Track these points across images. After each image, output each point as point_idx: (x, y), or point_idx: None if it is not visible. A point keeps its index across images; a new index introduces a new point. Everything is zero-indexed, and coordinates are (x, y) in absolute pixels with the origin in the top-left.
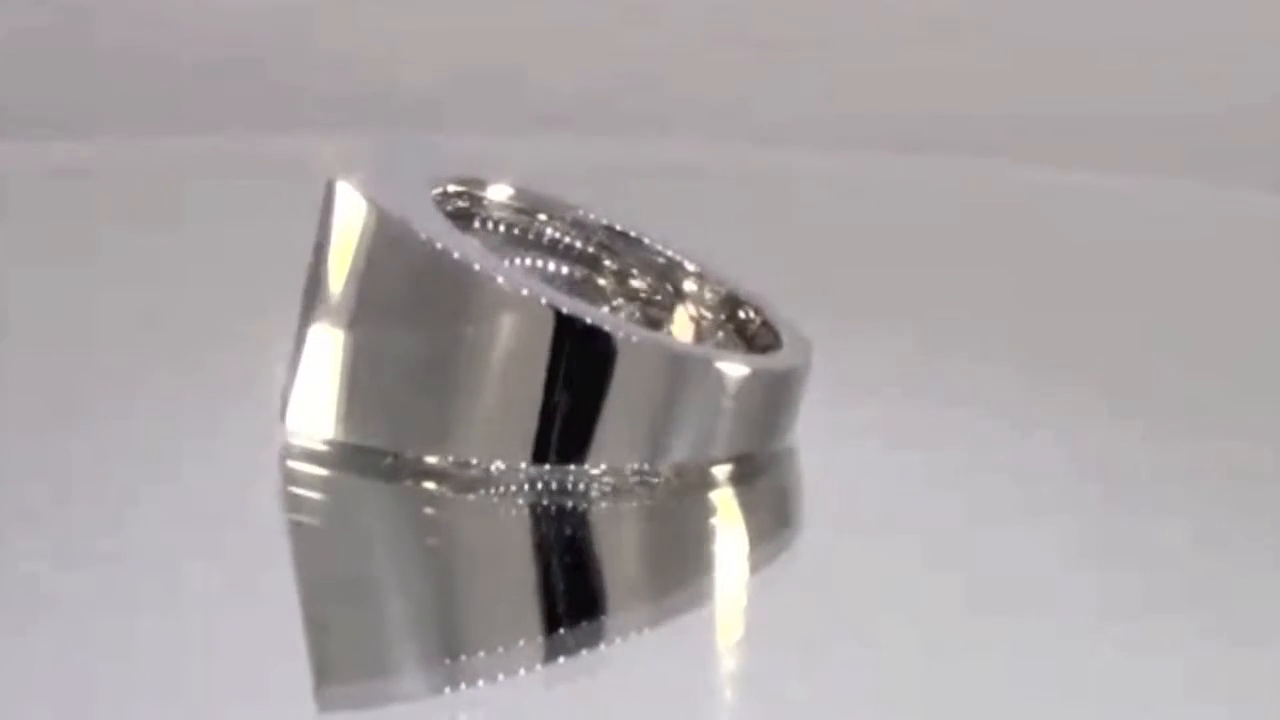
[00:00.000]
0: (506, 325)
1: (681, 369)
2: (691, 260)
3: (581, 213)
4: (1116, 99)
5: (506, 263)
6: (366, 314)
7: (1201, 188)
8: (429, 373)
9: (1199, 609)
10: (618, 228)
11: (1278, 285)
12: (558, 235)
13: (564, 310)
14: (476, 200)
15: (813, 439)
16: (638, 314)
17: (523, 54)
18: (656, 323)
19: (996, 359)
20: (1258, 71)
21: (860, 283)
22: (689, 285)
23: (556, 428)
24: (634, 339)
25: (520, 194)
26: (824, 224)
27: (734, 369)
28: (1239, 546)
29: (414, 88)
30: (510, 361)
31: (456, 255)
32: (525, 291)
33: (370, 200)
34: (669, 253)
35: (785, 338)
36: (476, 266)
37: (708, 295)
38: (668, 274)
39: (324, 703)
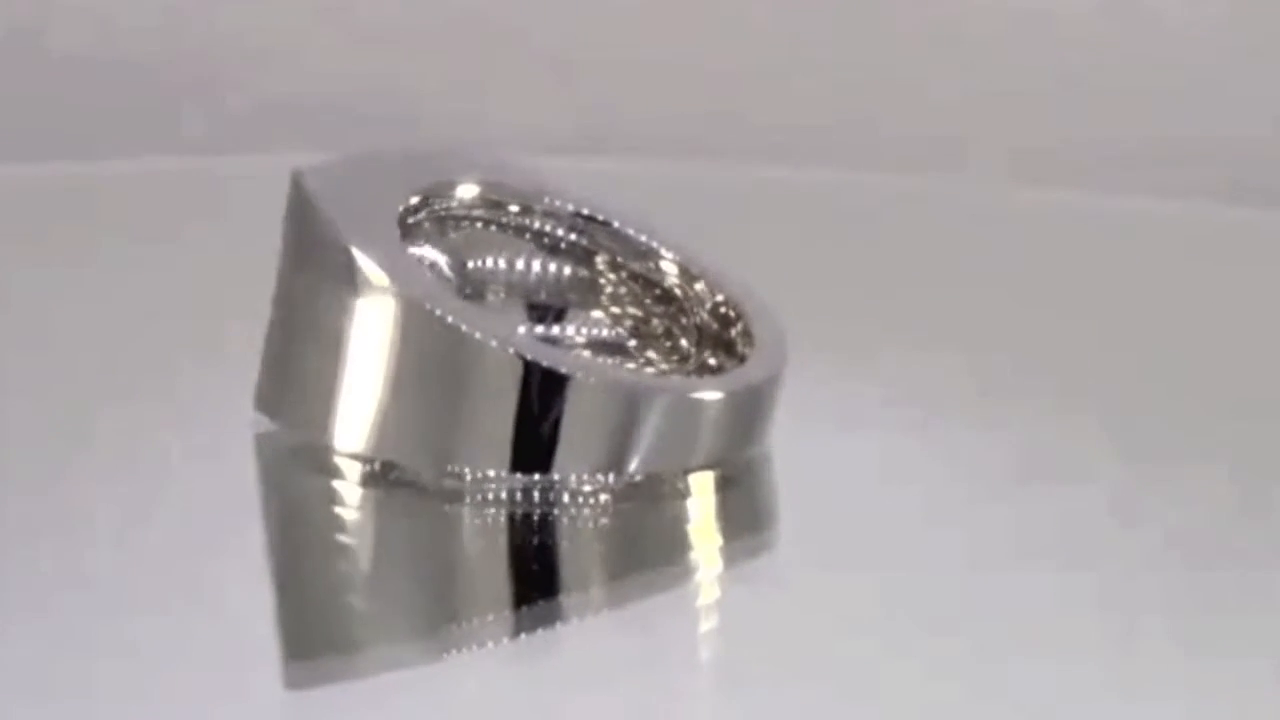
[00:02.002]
0: (481, 370)
1: (648, 400)
2: (666, 246)
3: (547, 200)
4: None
5: (502, 264)
6: (353, 341)
7: (1231, 209)
8: (412, 393)
9: (1186, 618)
10: (585, 212)
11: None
12: (538, 226)
13: (528, 357)
14: (450, 201)
15: (789, 441)
16: (630, 321)
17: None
18: (648, 332)
19: (986, 366)
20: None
21: (849, 289)
22: (670, 274)
23: (531, 445)
24: (595, 380)
25: (487, 188)
26: (821, 237)
27: (707, 395)
28: (1233, 552)
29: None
30: (486, 393)
31: (441, 315)
32: (494, 344)
33: (373, 267)
34: (642, 238)
35: (759, 338)
36: (464, 327)
37: (690, 290)
38: (648, 259)
39: (291, 680)
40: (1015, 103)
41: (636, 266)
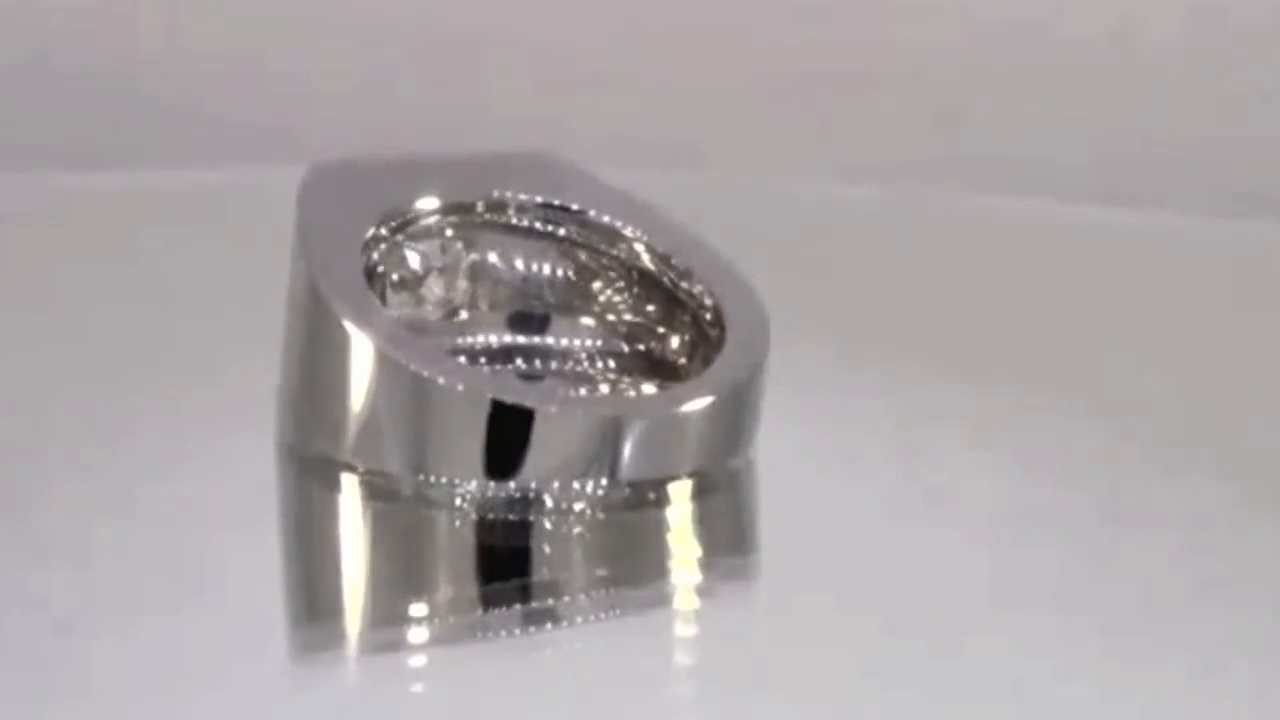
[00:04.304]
0: (450, 408)
1: (623, 424)
2: (632, 226)
3: (504, 194)
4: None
5: (491, 262)
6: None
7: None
8: (393, 415)
9: (1189, 648)
10: (538, 200)
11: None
12: (514, 221)
13: (505, 401)
14: (419, 216)
15: (775, 450)
16: (624, 328)
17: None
18: (638, 337)
19: (983, 378)
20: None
21: (843, 300)
22: (644, 258)
23: (504, 467)
24: (563, 411)
25: (447, 191)
26: (816, 248)
27: (682, 409)
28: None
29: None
30: (458, 425)
31: (407, 363)
32: (461, 387)
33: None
34: (604, 219)
35: (737, 328)
36: (425, 373)
37: (669, 275)
38: (619, 242)
39: (300, 647)
40: (1012, 112)
41: (614, 253)
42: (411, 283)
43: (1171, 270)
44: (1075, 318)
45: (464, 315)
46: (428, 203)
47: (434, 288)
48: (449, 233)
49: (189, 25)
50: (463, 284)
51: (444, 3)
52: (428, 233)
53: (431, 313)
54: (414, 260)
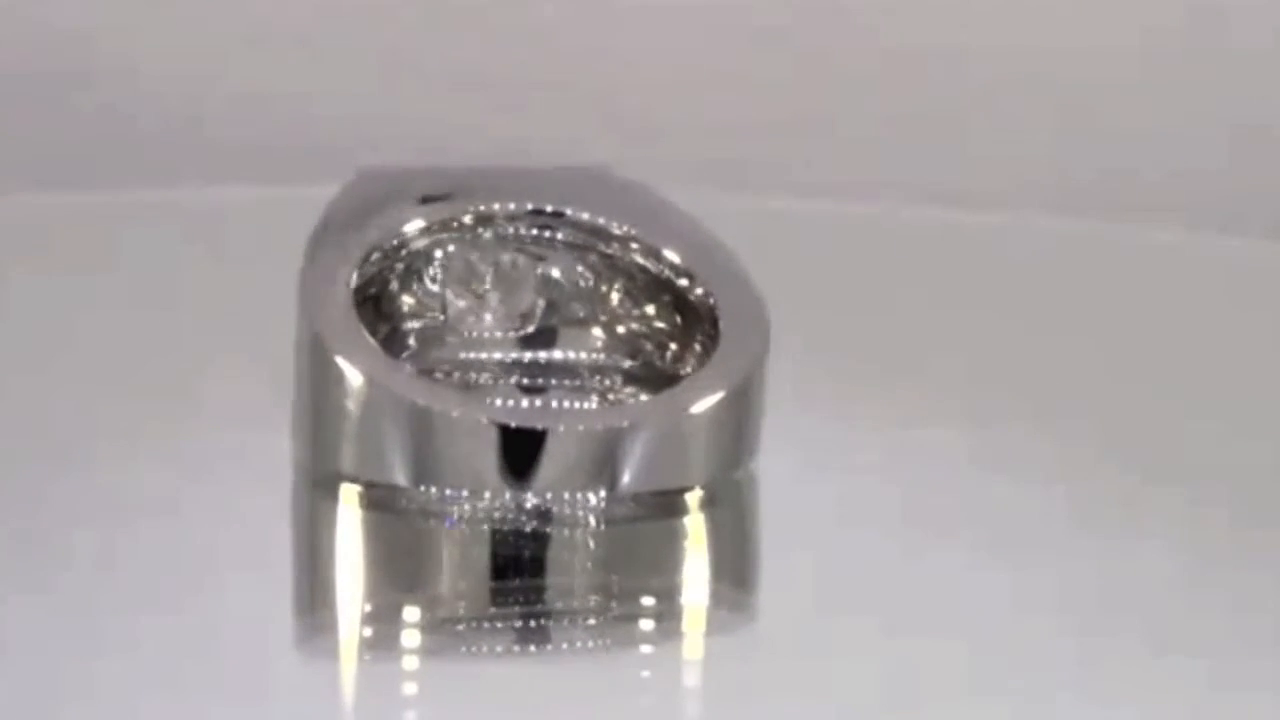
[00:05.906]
0: (456, 436)
1: (628, 437)
2: (621, 222)
3: (488, 206)
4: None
5: (491, 281)
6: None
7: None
8: (396, 435)
9: (1195, 673)
10: (529, 207)
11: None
12: (513, 231)
13: (511, 425)
14: (410, 241)
15: (778, 465)
16: (629, 337)
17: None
18: (645, 346)
19: (984, 393)
20: None
21: (852, 318)
22: (644, 263)
23: (514, 481)
24: (577, 430)
25: (432, 212)
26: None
27: (689, 415)
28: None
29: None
30: (464, 449)
31: (409, 398)
32: (483, 420)
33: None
34: (583, 216)
35: (733, 331)
36: (436, 407)
37: (664, 273)
38: (610, 241)
39: (299, 652)
40: (1013, 125)
41: (609, 252)
42: (478, 297)
43: (1172, 286)
44: (1076, 332)
45: (530, 329)
46: (414, 225)
47: (497, 299)
48: (494, 241)
49: (188, 40)
50: (529, 296)
51: (447, 8)
52: (478, 244)
53: (495, 325)
54: (474, 272)
